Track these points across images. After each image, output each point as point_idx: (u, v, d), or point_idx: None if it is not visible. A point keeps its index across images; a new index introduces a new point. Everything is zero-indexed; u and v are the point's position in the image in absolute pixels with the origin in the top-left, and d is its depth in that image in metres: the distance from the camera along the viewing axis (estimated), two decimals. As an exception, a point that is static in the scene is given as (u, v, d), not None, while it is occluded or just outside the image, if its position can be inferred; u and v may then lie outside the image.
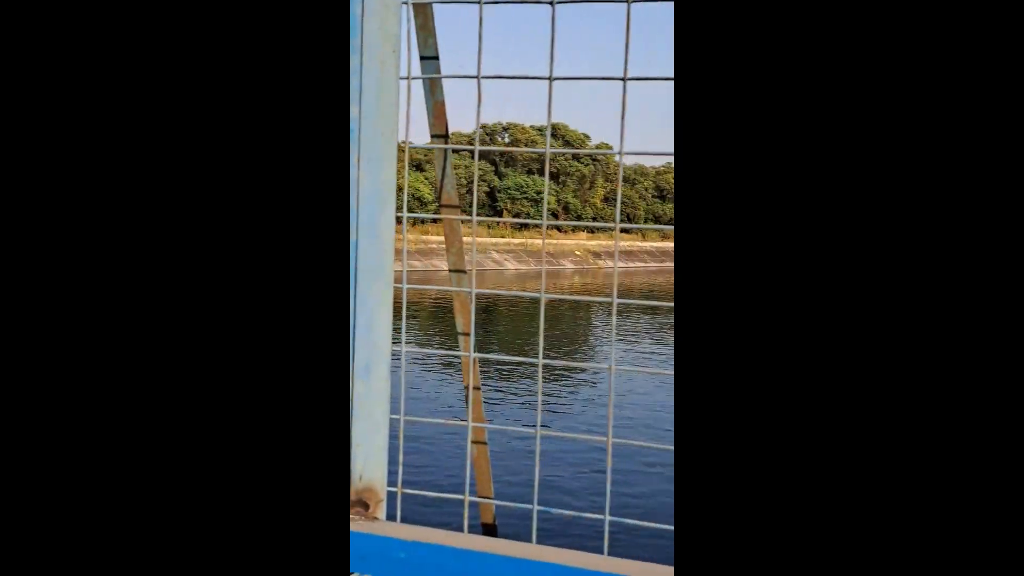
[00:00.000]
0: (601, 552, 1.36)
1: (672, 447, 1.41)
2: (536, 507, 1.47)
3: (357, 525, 1.36)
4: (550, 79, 1.35)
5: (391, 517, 1.42)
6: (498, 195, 49.19)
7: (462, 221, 1.80)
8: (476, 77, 1.41)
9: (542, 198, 50.88)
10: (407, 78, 1.40)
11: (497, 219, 1.32)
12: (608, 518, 1.42)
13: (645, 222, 54.79)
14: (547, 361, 1.41)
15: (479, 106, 1.40)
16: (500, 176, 50.28)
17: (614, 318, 1.46)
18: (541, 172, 53.03)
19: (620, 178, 1.42)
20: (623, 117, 1.33)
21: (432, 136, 1.73)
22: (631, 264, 46.08)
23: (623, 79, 1.30)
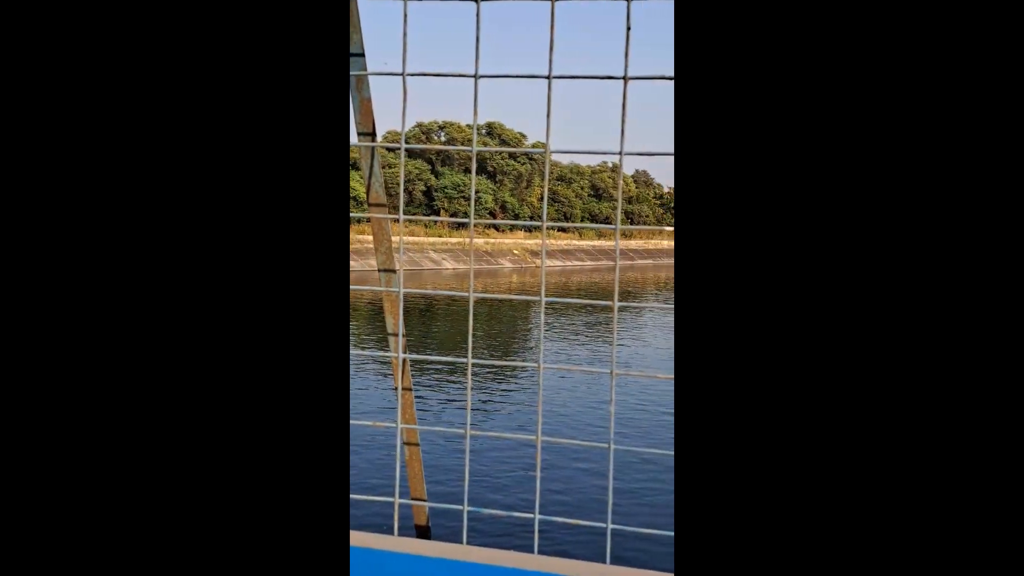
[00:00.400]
0: (532, 550, 1.36)
1: (606, 445, 1.42)
2: (466, 508, 1.46)
3: None
4: (475, 77, 1.34)
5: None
6: (435, 194, 48.95)
7: (392, 220, 1.78)
8: (401, 75, 1.39)
9: (478, 197, 50.79)
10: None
11: (425, 218, 1.31)
12: (538, 517, 1.42)
13: (582, 221, 55.24)
14: (476, 361, 1.40)
15: (404, 104, 1.38)
16: (437, 175, 50.05)
17: (542, 317, 1.47)
18: (479, 171, 52.92)
19: (547, 177, 1.42)
20: (548, 115, 1.33)
21: (359, 134, 1.70)
22: (568, 263, 46.36)
23: (547, 76, 1.31)
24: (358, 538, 1.32)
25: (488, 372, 11.50)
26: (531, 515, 1.44)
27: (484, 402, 10.02)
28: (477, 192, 51.80)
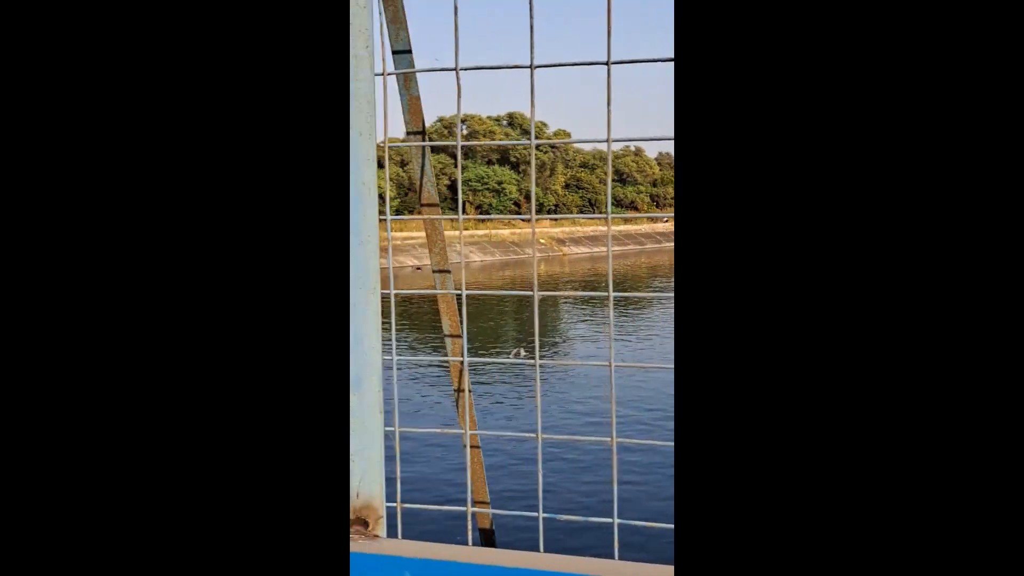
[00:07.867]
0: (612, 557, 1.31)
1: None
2: (542, 515, 1.42)
3: (357, 545, 1.30)
4: (531, 67, 1.29)
5: (391, 534, 1.36)
6: (461, 187, 48.98)
7: (443, 219, 1.74)
8: (454, 69, 1.34)
9: (502, 188, 50.78)
10: (382, 74, 1.33)
11: (482, 216, 1.26)
12: (616, 522, 1.37)
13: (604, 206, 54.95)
14: (545, 361, 1.36)
15: (459, 99, 1.34)
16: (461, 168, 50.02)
17: (611, 312, 1.42)
18: (500, 163, 52.93)
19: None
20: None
21: (408, 132, 1.66)
22: (595, 249, 46.32)
23: (607, 62, 1.25)
24: (433, 550, 1.28)
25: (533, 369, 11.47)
26: (609, 520, 1.40)
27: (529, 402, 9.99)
28: (500, 183, 51.85)
